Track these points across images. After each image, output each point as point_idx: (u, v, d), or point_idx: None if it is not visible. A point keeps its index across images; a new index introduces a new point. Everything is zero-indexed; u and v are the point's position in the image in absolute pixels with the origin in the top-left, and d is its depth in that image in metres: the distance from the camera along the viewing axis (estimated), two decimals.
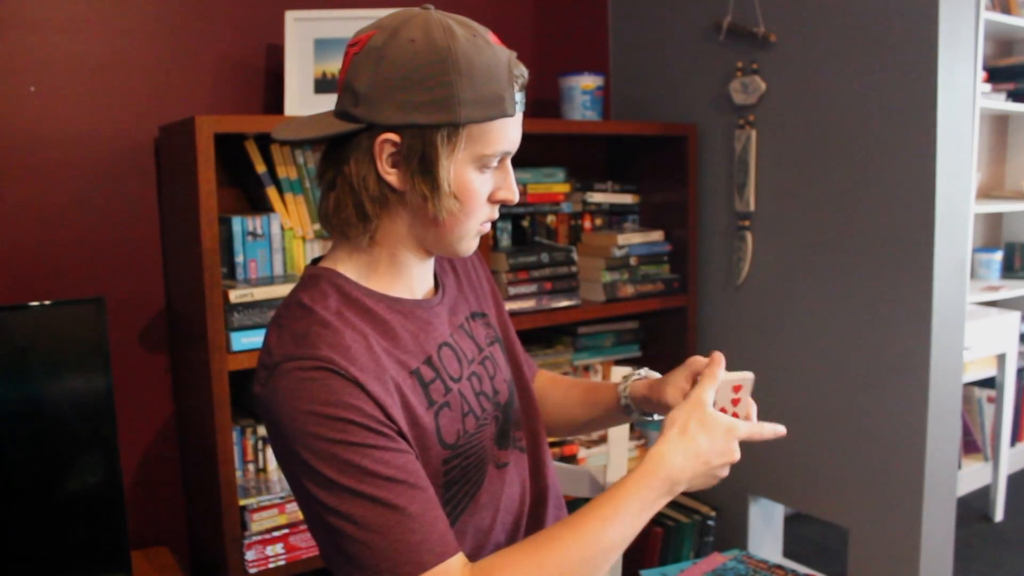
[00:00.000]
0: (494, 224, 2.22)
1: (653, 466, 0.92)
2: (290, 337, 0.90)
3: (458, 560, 0.88)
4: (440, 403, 0.97)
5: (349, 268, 0.99)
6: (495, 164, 0.95)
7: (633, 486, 0.91)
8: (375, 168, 0.92)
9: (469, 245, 1.00)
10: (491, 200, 0.97)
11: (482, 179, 0.95)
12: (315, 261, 1.04)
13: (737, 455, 0.95)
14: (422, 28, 0.89)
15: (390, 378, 0.91)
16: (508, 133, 0.93)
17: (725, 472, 0.96)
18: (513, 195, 0.98)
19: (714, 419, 0.94)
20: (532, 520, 1.10)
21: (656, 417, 1.16)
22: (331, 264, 0.99)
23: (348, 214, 0.95)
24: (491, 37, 0.93)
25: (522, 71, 0.93)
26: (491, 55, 0.90)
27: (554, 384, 1.28)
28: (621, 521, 0.90)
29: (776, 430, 0.98)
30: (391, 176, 0.92)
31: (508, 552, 0.91)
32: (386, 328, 0.96)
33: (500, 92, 0.90)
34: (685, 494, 2.39)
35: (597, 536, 0.89)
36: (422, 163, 0.90)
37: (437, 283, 1.08)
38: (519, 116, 0.95)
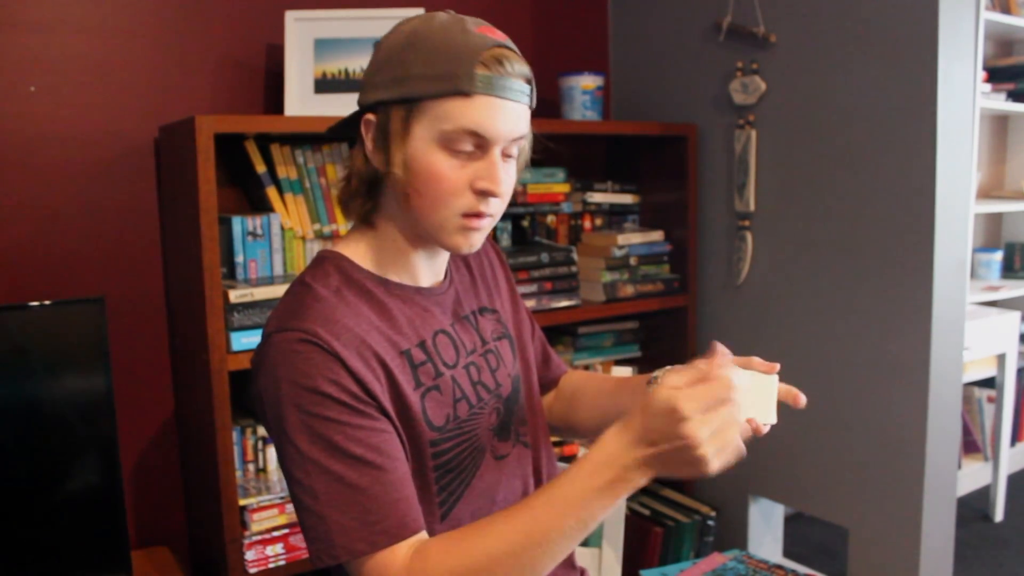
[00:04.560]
0: None
1: (594, 450, 0.85)
2: (284, 311, 0.95)
3: (412, 541, 0.88)
4: (428, 385, 0.99)
5: (356, 253, 1.02)
6: (468, 147, 0.93)
7: (573, 473, 0.85)
8: (363, 150, 0.98)
9: (455, 240, 0.97)
10: (472, 189, 0.94)
11: (452, 163, 0.93)
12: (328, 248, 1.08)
13: (700, 437, 0.78)
14: (421, 19, 0.95)
15: (373, 354, 0.93)
16: (472, 113, 0.91)
17: (692, 457, 0.79)
18: (491, 185, 0.93)
19: (654, 397, 0.81)
20: None
21: None
22: (339, 248, 1.03)
23: (347, 195, 1.01)
24: (480, 29, 0.94)
25: (503, 62, 0.91)
26: (460, 41, 0.91)
27: (590, 379, 1.28)
28: (555, 509, 0.84)
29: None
30: (374, 156, 0.97)
31: (448, 534, 0.90)
32: (383, 309, 0.98)
33: (454, 70, 0.90)
34: (686, 494, 2.40)
35: (528, 525, 0.84)
36: (384, 138, 0.94)
37: (447, 275, 1.10)
38: (505, 102, 0.92)
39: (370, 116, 0.95)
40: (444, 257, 1.08)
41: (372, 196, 1.00)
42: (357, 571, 0.89)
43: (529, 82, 0.96)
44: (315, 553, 0.89)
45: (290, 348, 0.90)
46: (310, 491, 0.88)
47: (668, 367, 1.10)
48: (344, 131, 1.03)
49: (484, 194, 0.94)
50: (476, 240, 0.98)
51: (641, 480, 0.83)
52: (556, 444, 2.22)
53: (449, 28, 0.92)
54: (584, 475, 0.84)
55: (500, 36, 0.95)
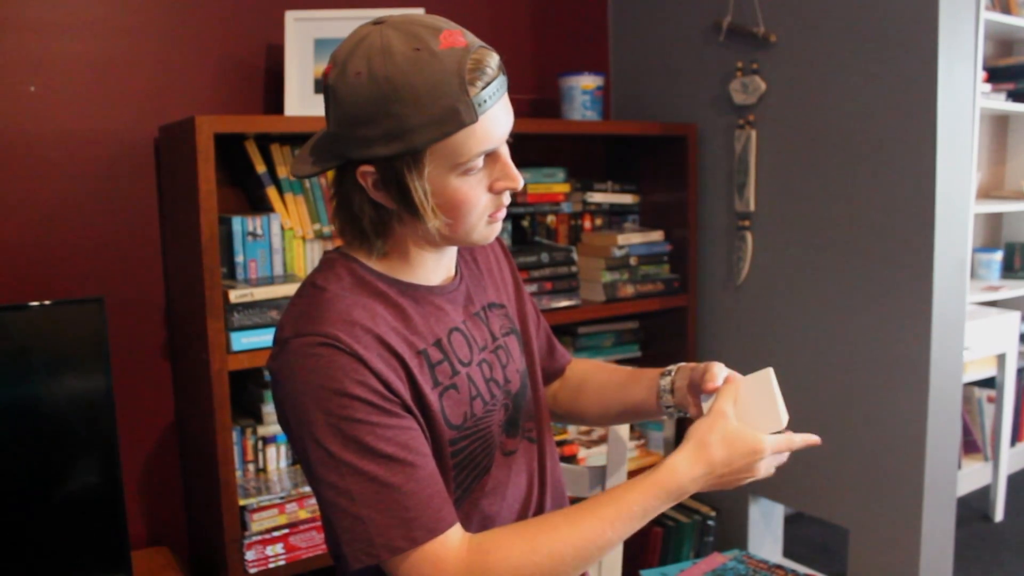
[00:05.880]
0: None
1: (665, 476, 0.93)
2: (300, 314, 0.94)
3: (453, 533, 0.91)
4: (446, 385, 0.99)
5: (364, 254, 1.02)
6: (480, 163, 0.93)
7: (639, 493, 0.93)
8: (366, 195, 0.96)
9: (483, 234, 1.00)
10: (492, 191, 0.97)
11: (471, 181, 0.94)
12: (337, 249, 1.06)
13: (760, 473, 0.96)
14: (365, 57, 0.87)
15: (393, 354, 0.94)
16: (480, 135, 0.90)
17: (744, 482, 0.97)
18: (512, 182, 0.96)
19: (738, 435, 0.94)
20: (537, 512, 1.12)
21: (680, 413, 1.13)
22: (348, 249, 1.03)
23: (352, 237, 1.00)
24: (441, 39, 0.88)
25: (484, 68, 0.88)
26: (437, 68, 0.86)
27: (599, 369, 1.28)
28: (620, 522, 0.92)
29: (808, 439, 0.98)
30: (381, 198, 0.95)
31: (504, 530, 0.93)
32: (398, 310, 0.98)
33: (452, 105, 0.87)
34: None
35: (594, 533, 0.91)
36: (398, 188, 0.92)
37: (457, 270, 1.10)
38: (498, 105, 0.91)
39: (367, 168, 0.92)
40: (453, 253, 1.08)
41: (383, 231, 0.99)
42: (396, 568, 0.89)
43: (502, 67, 0.93)
44: (353, 554, 0.89)
45: (311, 352, 0.89)
46: (346, 493, 0.88)
47: (682, 363, 1.13)
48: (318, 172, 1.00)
49: (504, 190, 0.97)
50: (499, 228, 1.02)
51: (691, 493, 0.96)
52: (556, 444, 2.22)
53: (419, 60, 0.86)
54: (651, 493, 0.93)
55: (460, 37, 0.89)
